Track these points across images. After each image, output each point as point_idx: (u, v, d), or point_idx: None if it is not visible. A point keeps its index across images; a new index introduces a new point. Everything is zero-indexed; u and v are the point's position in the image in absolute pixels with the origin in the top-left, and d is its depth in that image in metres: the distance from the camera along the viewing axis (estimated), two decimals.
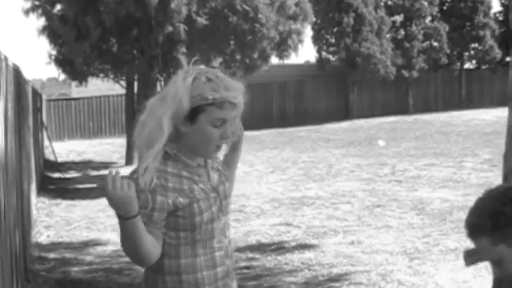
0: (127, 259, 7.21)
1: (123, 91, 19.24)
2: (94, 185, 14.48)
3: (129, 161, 16.94)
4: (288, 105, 32.44)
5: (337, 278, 6.67)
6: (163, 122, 2.56)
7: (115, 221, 2.66)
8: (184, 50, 15.14)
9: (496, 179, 11.27)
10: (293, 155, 17.93)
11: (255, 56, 16.25)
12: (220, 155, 2.87)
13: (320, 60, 33.42)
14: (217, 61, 16.02)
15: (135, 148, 2.75)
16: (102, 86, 26.34)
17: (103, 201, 12.53)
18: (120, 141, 22.85)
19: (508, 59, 35.59)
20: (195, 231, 2.65)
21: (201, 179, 2.68)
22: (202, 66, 2.75)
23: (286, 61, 28.71)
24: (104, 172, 17.18)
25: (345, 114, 32.62)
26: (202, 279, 2.69)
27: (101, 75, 17.96)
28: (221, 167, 2.83)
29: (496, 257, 2.13)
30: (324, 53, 33.51)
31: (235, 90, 2.60)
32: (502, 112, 4.40)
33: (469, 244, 6.98)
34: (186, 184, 2.62)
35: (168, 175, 2.59)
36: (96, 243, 8.58)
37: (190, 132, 2.60)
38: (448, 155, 16.47)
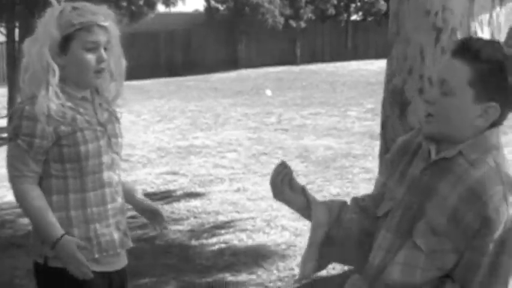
0: (9, 211, 7.02)
1: (3, 38, 18.48)
2: None
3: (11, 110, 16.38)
4: (176, 54, 32.09)
5: (223, 225, 6.74)
6: (46, 57, 2.60)
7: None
8: None
9: (378, 128, 11.61)
10: (180, 104, 17.83)
11: (141, 2, 15.93)
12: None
13: (208, 9, 33.16)
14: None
15: (21, 93, 2.76)
16: None
17: None
18: (2, 91, 22.06)
19: None
20: (81, 162, 2.66)
21: (87, 112, 2.70)
22: None
23: (174, 9, 28.34)
24: None
25: (233, 64, 32.61)
26: (91, 214, 2.70)
27: None
28: (112, 109, 2.85)
29: (448, 111, 2.09)
30: (212, 2, 33.24)
31: (103, 14, 2.67)
32: (385, 63, 4.55)
33: (351, 191, 7.16)
34: (68, 114, 2.64)
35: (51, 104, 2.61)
36: None
37: (68, 63, 2.65)
38: (333, 104, 16.78)
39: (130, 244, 2.89)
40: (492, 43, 2.12)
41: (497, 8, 4.49)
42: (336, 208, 2.39)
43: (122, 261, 2.87)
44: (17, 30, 16.64)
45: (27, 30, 16.11)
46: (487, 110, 2.06)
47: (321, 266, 2.40)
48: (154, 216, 3.04)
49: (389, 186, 2.27)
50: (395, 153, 2.32)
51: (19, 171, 2.64)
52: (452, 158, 2.09)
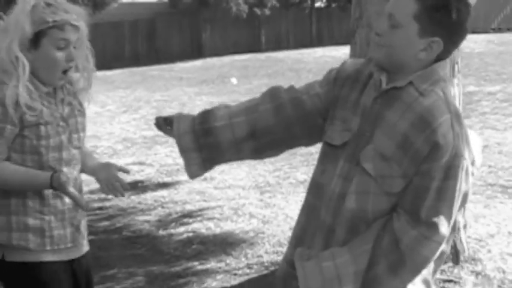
0: None
1: None
2: None
3: None
4: (140, 44, 31.88)
5: (191, 214, 6.73)
6: (15, 51, 2.60)
7: None
8: None
9: None
10: (146, 94, 17.74)
11: None
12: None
13: None
14: None
15: None
16: None
17: None
18: None
19: None
20: (42, 156, 2.66)
21: (50, 106, 2.70)
22: None
23: None
24: None
25: (198, 53, 32.50)
26: (48, 207, 2.70)
27: None
28: (75, 102, 2.84)
29: (393, 43, 2.19)
30: None
31: (76, 13, 2.67)
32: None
33: None
34: (35, 105, 2.64)
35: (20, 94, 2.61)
36: None
37: (36, 59, 2.65)
38: None
39: (82, 240, 2.88)
40: None
41: None
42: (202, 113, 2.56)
43: (80, 250, 2.87)
44: None
45: None
46: (430, 44, 2.17)
47: (206, 167, 2.55)
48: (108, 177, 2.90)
49: (344, 117, 2.33)
50: (344, 77, 2.40)
51: None
52: (402, 87, 2.20)
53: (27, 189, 2.65)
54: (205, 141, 2.48)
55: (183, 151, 2.51)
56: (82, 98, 2.90)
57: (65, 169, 2.72)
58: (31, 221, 2.67)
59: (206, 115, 2.52)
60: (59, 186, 2.61)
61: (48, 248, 2.71)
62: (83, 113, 2.88)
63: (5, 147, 2.62)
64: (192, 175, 2.55)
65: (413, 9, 2.14)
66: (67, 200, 2.73)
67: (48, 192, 2.69)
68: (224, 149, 2.49)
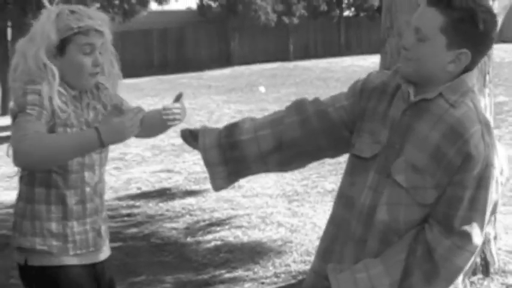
0: (3, 211, 6.98)
1: None
2: None
3: (4, 110, 16.33)
4: (169, 52, 32.06)
5: (218, 222, 6.73)
6: (43, 59, 2.63)
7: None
8: None
9: None
10: None
11: (134, 1, 15.89)
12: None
13: (201, 7, 33.12)
14: (94, 6, 15.57)
15: (12, 92, 2.74)
16: None
17: None
18: None
19: None
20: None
21: (76, 110, 2.73)
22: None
23: (167, 7, 28.35)
24: None
25: (226, 61, 32.59)
26: (71, 212, 2.74)
27: None
28: (99, 106, 2.86)
29: (421, 57, 2.19)
30: None
31: (99, 19, 2.71)
32: (378, 59, 4.64)
33: None
34: (66, 107, 2.66)
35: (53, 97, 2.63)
36: None
37: (63, 65, 2.68)
38: None
39: (104, 244, 2.90)
40: None
41: None
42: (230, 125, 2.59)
43: (102, 254, 2.90)
44: (9, 30, 16.57)
45: (20, 30, 16.10)
46: (458, 56, 2.17)
47: (231, 180, 2.58)
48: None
49: (372, 129, 2.33)
50: (370, 89, 2.39)
51: (27, 130, 2.48)
52: (432, 99, 2.20)
53: (77, 150, 2.50)
54: (231, 155, 2.50)
55: (209, 165, 2.53)
56: (107, 102, 2.90)
57: (86, 174, 2.75)
58: (54, 227, 2.71)
59: (232, 129, 2.54)
60: (108, 132, 2.44)
61: (71, 253, 2.74)
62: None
63: (44, 128, 2.54)
64: (217, 188, 2.58)
65: (439, 22, 2.13)
66: (88, 205, 2.78)
67: (71, 198, 2.72)
68: (250, 162, 2.51)
